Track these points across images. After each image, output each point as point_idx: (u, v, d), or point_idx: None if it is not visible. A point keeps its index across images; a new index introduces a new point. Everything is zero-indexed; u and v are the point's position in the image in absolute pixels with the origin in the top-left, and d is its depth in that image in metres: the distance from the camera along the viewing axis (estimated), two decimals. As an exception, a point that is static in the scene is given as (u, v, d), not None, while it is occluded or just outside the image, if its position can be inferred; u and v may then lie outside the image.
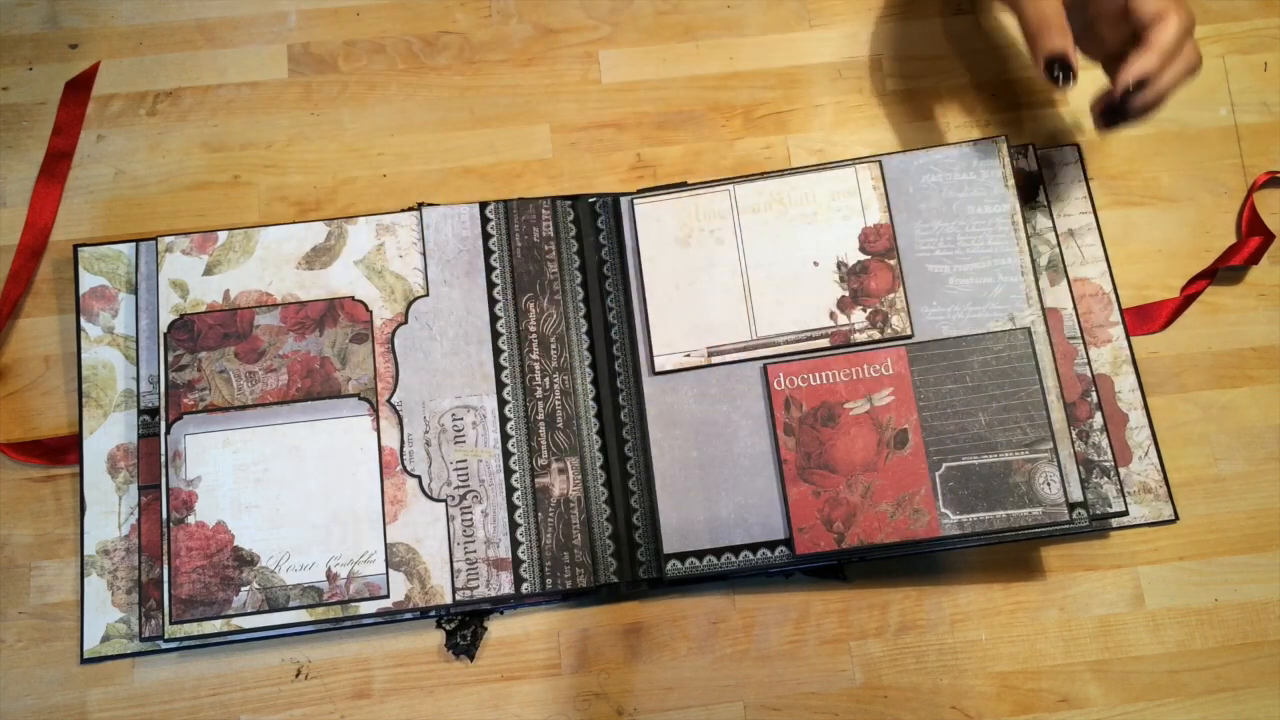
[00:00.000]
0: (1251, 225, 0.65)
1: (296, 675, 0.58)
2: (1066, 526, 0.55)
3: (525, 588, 0.57)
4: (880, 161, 0.62)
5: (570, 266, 0.62)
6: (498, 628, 0.59)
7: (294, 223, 0.62)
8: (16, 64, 0.67)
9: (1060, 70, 0.54)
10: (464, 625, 0.58)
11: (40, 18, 0.68)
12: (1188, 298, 0.63)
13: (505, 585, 0.57)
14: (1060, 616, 0.59)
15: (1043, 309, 0.59)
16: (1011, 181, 0.61)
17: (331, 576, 0.57)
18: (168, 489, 0.57)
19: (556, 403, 0.60)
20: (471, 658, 0.58)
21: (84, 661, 0.57)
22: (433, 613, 0.58)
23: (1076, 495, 0.56)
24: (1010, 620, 0.59)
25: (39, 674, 0.57)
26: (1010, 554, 0.60)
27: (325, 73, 0.67)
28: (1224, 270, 0.65)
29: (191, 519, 0.57)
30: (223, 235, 0.61)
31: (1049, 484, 0.56)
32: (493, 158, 0.66)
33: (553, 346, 0.60)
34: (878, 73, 0.68)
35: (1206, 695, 0.58)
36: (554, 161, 0.66)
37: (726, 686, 0.58)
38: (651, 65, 0.68)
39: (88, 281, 0.61)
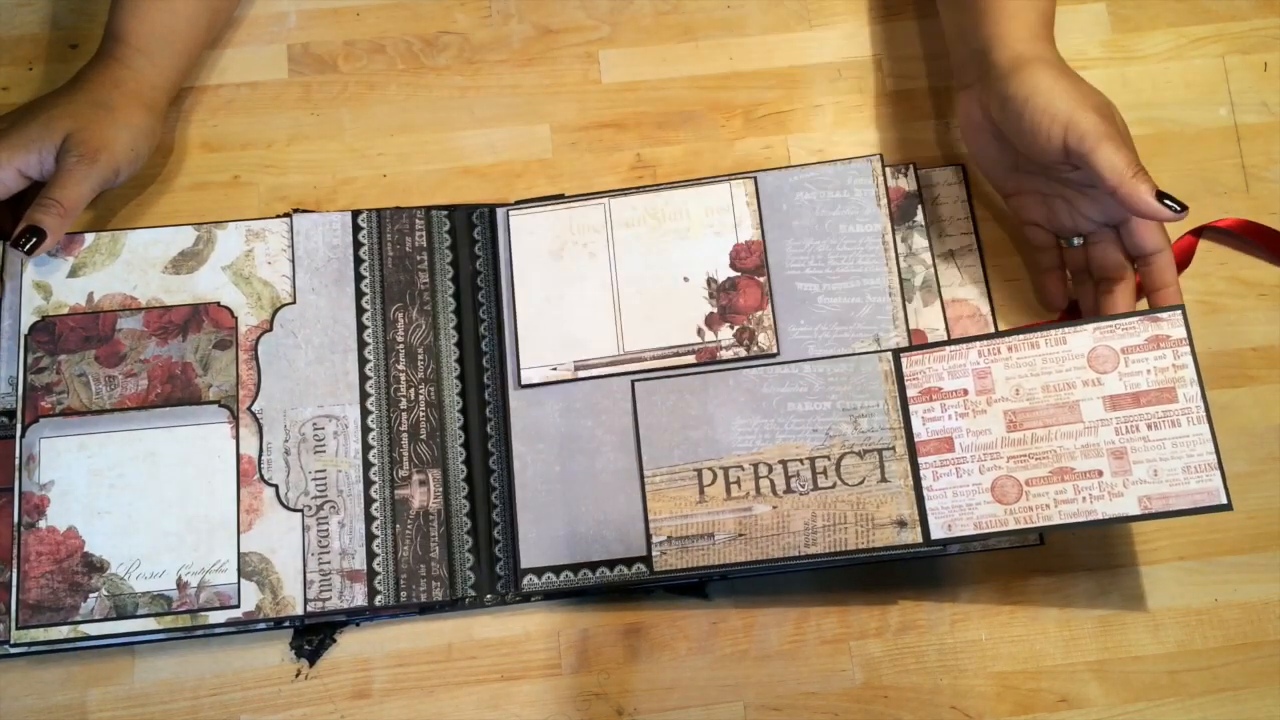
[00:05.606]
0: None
1: (296, 675, 0.58)
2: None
3: (379, 600, 0.57)
4: (755, 178, 0.62)
5: (443, 277, 0.61)
6: (498, 627, 0.58)
7: (161, 226, 0.62)
8: (16, 64, 0.67)
9: (1172, 203, 0.54)
10: (313, 630, 0.58)
11: (40, 18, 0.68)
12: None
13: (359, 597, 0.57)
14: (1060, 616, 0.59)
15: (908, 330, 0.59)
16: (884, 201, 0.61)
17: (181, 585, 0.56)
18: (20, 493, 0.57)
19: (421, 414, 0.59)
20: (312, 663, 0.57)
21: None
22: (286, 623, 0.57)
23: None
24: (1010, 620, 0.59)
25: (40, 674, 0.57)
26: (1010, 554, 0.60)
27: (325, 73, 0.67)
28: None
29: (43, 524, 0.57)
30: (89, 237, 0.61)
31: None
32: (493, 158, 0.66)
33: (420, 357, 0.60)
34: (878, 73, 0.68)
35: (1206, 695, 0.58)
36: (554, 161, 0.66)
37: (726, 686, 0.58)
38: (651, 65, 0.68)
39: None
